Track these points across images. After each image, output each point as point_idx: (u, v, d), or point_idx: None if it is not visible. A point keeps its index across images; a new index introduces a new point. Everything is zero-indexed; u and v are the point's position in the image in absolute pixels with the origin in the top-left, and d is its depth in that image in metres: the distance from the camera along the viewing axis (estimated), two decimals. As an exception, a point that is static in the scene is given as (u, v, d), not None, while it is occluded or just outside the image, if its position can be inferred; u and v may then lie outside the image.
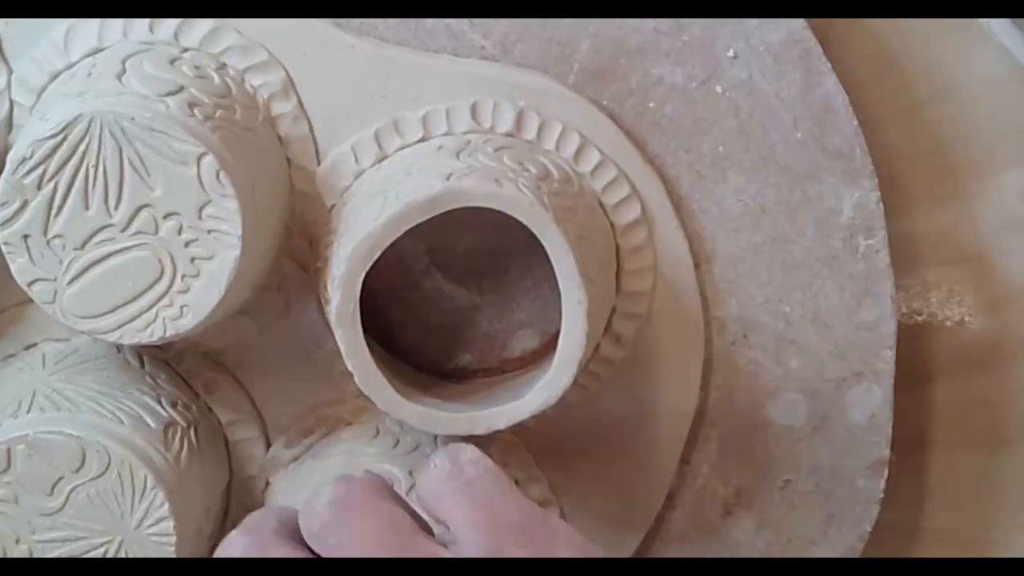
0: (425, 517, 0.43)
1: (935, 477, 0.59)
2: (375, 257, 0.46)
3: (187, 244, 0.46)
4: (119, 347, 0.52)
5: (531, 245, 0.47)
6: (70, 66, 0.49)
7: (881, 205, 0.53)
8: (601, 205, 0.51)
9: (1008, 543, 0.59)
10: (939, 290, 0.57)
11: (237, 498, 0.54)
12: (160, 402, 0.50)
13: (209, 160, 0.45)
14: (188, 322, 0.46)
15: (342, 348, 0.47)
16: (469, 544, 0.41)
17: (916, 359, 0.57)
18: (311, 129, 0.51)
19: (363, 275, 0.46)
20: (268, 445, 0.54)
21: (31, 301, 0.47)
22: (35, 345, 0.52)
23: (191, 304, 0.46)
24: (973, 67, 0.55)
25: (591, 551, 0.42)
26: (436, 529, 0.43)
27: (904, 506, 0.58)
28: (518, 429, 0.53)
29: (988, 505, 0.59)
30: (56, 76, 0.49)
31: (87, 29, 0.49)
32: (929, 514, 0.59)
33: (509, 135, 0.51)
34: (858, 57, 0.54)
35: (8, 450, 0.47)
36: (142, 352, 0.52)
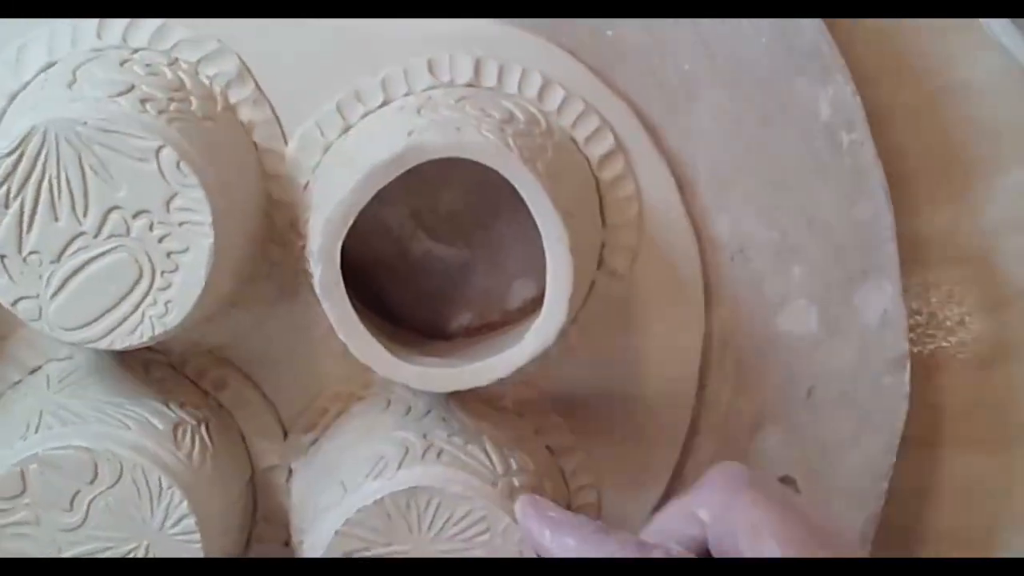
0: None
1: (937, 477, 0.58)
2: (349, 224, 0.46)
3: (160, 240, 0.46)
4: (121, 357, 0.52)
5: (513, 195, 0.47)
6: (25, 85, 0.49)
7: (858, 97, 0.52)
8: (574, 141, 0.51)
9: (1010, 542, 0.59)
10: (939, 290, 0.57)
11: (262, 490, 0.54)
12: (167, 404, 0.50)
13: (167, 152, 0.45)
14: (175, 318, 0.46)
15: (331, 319, 0.47)
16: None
17: (917, 360, 0.56)
18: (273, 111, 0.51)
19: (340, 244, 0.46)
20: (285, 433, 0.54)
21: (30, 325, 0.47)
22: (39, 368, 0.52)
23: (175, 299, 0.46)
24: (975, 67, 0.55)
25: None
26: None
27: (906, 506, 0.58)
28: (530, 379, 0.53)
29: (990, 505, 0.59)
30: (14, 97, 0.49)
31: (36, 46, 0.49)
32: (931, 514, 0.59)
33: (470, 85, 0.50)
34: (862, 57, 0.54)
35: (21, 471, 0.47)
36: (145, 359, 0.52)
